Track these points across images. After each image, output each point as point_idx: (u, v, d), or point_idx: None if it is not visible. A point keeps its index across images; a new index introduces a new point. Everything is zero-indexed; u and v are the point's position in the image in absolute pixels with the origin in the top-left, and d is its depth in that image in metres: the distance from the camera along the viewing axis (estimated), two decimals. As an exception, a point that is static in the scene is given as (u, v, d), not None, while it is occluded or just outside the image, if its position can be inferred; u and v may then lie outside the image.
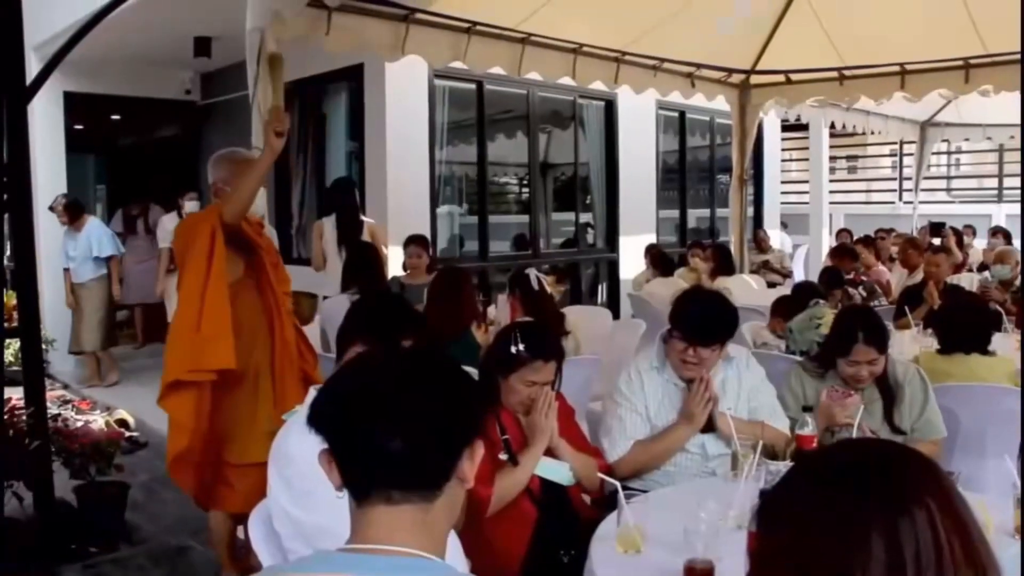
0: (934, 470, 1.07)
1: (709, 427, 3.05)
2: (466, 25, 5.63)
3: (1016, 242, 10.07)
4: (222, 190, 3.63)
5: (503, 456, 2.69)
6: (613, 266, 9.99)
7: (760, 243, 11.02)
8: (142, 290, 8.85)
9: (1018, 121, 10.75)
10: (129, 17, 5.88)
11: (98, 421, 5.83)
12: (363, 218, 6.68)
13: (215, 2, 6.44)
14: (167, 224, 7.73)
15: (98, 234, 7.85)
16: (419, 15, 5.34)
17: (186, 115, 10.31)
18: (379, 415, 1.29)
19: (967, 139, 12.34)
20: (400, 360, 1.43)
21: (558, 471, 2.75)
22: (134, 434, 6.12)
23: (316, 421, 1.33)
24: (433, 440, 1.30)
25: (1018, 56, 6.43)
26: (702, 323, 3.04)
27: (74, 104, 8.93)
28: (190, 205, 7.33)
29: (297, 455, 2.05)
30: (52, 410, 4.99)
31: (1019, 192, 13.57)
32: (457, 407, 1.34)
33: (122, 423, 6.14)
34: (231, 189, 3.48)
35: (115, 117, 11.07)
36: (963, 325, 4.18)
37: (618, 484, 2.43)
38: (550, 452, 2.76)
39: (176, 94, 9.89)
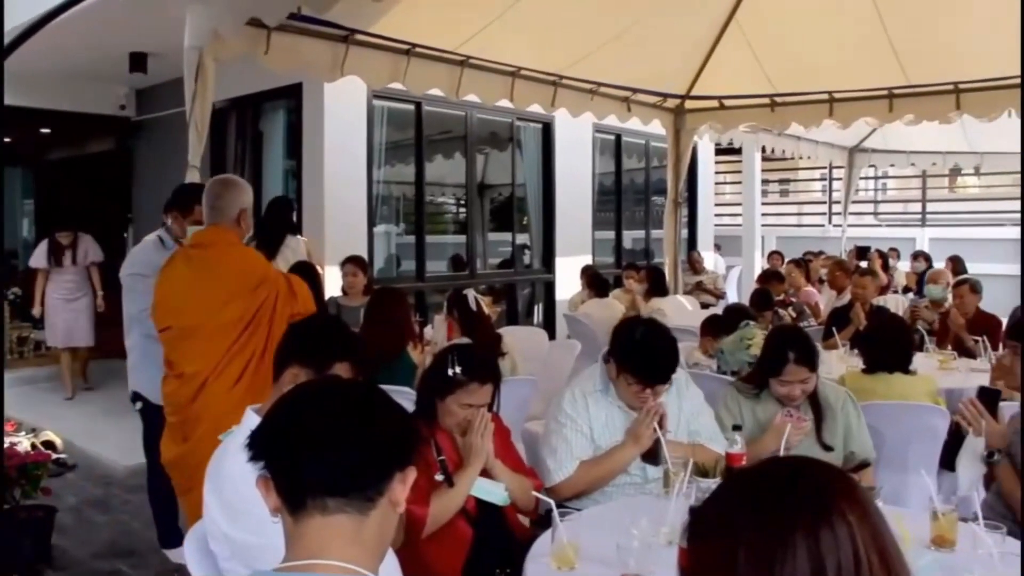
0: (853, 486, 1.12)
1: (653, 458, 3.09)
2: (405, 47, 5.66)
3: (939, 264, 10.39)
4: (249, 218, 3.74)
5: (439, 477, 2.71)
6: (549, 287, 10.08)
7: (694, 264, 11.21)
8: (73, 332, 8.11)
9: (937, 148, 11.15)
10: (63, 31, 5.80)
11: (23, 443, 5.67)
12: (298, 236, 6.65)
13: (152, 18, 6.38)
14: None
15: None
16: (359, 36, 5.35)
17: (120, 130, 10.15)
18: (316, 433, 1.36)
19: (892, 165, 12.70)
20: (336, 391, 1.49)
21: (494, 492, 2.77)
22: (62, 456, 5.97)
23: (255, 451, 1.38)
24: (366, 452, 1.37)
25: (935, 88, 6.72)
26: (658, 367, 3.05)
27: (1, 117, 8.71)
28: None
29: (234, 475, 2.04)
30: (-26, 432, 4.86)
31: (1019, 215, 13.91)
32: (388, 429, 1.42)
33: (49, 445, 5.96)
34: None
35: (45, 131, 10.86)
36: (886, 345, 4.32)
37: (552, 502, 2.46)
38: (486, 473, 2.78)
39: (110, 109, 9.74)
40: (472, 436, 2.75)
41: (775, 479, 1.12)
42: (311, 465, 1.34)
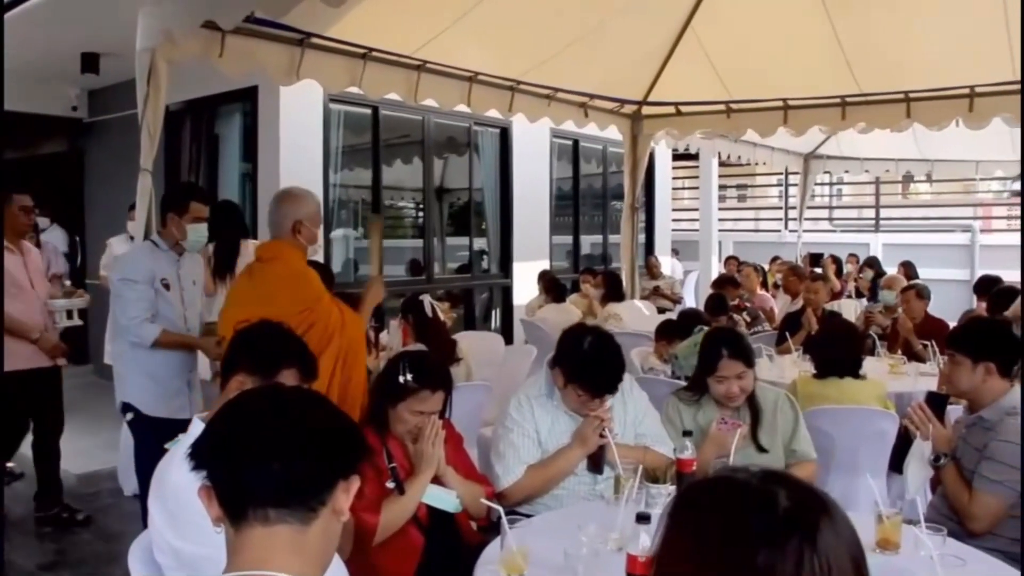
0: (829, 500, 1.08)
1: (597, 467, 3.11)
2: (362, 51, 5.63)
3: (891, 269, 10.53)
4: (308, 229, 3.76)
5: (390, 484, 2.70)
6: (506, 292, 10.06)
7: (651, 269, 11.28)
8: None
9: (890, 156, 11.33)
10: (12, 29, 5.68)
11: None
12: (248, 240, 6.56)
13: (104, 18, 6.29)
14: (116, 248, 6.69)
15: None
16: (315, 40, 5.31)
17: (72, 132, 9.98)
18: (257, 442, 1.35)
19: (847, 171, 12.86)
20: (278, 399, 1.47)
21: (445, 499, 2.77)
22: (10, 465, 5.86)
23: (198, 460, 1.36)
24: (309, 461, 1.36)
25: (886, 97, 6.83)
26: (607, 378, 3.08)
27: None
28: (133, 226, 6.20)
29: (179, 485, 2.02)
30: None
31: (968, 222, 14.21)
32: (331, 438, 1.41)
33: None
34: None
35: (-6, 131, 10.65)
36: (836, 350, 4.39)
37: (501, 509, 2.46)
38: (437, 480, 2.78)
39: (62, 110, 9.57)
40: (423, 443, 2.74)
41: (749, 494, 1.06)
42: (252, 475, 1.33)
